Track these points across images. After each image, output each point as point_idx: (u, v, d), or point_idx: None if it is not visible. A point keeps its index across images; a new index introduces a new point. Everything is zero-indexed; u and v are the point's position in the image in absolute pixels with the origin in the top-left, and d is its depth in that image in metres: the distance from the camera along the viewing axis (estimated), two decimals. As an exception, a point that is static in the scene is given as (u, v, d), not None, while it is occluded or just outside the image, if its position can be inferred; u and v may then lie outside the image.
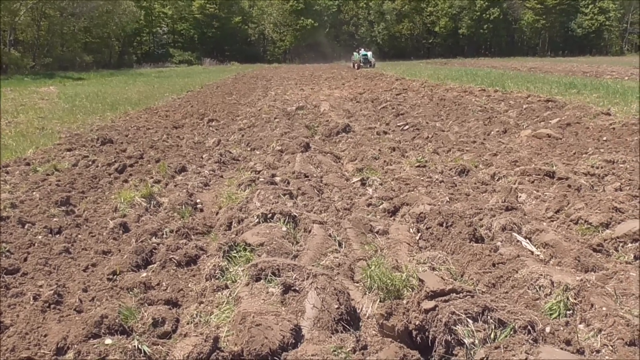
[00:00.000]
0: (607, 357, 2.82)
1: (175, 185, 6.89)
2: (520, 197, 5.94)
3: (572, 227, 4.89)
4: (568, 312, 3.24)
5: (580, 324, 3.13)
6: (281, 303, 3.35)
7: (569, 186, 6.00)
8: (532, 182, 6.41)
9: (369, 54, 44.47)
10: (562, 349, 2.74)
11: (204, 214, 5.85)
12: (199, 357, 2.81)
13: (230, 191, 6.44)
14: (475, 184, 6.58)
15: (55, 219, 5.36)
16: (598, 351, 2.87)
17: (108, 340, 2.94)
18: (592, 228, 4.72)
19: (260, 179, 6.56)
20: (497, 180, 6.78)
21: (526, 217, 5.07)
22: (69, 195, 6.11)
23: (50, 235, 5.00)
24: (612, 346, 2.86)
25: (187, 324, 3.39)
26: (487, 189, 6.33)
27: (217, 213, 5.83)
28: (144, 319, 3.33)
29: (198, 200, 6.21)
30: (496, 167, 7.26)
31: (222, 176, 7.66)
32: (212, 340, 2.88)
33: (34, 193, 6.27)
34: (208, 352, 2.83)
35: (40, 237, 4.88)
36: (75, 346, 2.95)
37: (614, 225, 4.63)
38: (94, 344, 2.91)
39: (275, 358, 2.81)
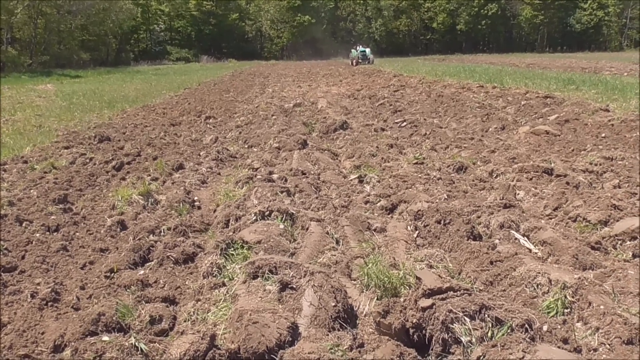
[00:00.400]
0: (604, 356, 2.81)
1: (172, 183, 6.88)
2: (518, 194, 5.93)
3: (570, 224, 4.88)
4: (566, 310, 3.23)
5: (577, 322, 3.12)
6: (278, 301, 3.35)
7: (567, 183, 6.00)
8: (530, 179, 6.41)
9: (367, 50, 44.43)
10: (559, 347, 2.74)
11: (202, 211, 5.84)
12: (196, 354, 2.81)
13: (227, 189, 6.42)
14: (473, 181, 6.57)
15: (52, 217, 5.35)
16: (595, 350, 2.86)
17: (105, 338, 2.94)
18: (590, 226, 4.72)
19: (258, 177, 6.54)
20: (495, 177, 6.77)
21: (524, 214, 5.06)
22: (66, 193, 6.10)
23: (47, 233, 4.99)
24: (609, 345, 2.84)
25: (184, 321, 3.39)
26: (485, 186, 6.32)
27: (214, 211, 5.82)
28: (141, 316, 3.33)
29: (195, 198, 6.20)
30: (494, 164, 7.25)
31: (219, 173, 7.65)
32: (208, 338, 2.88)
33: (32, 191, 6.26)
34: (205, 349, 2.83)
35: (37, 235, 4.87)
36: (73, 344, 2.95)
37: (612, 222, 4.63)
38: (91, 342, 2.91)
39: (272, 356, 2.81)
